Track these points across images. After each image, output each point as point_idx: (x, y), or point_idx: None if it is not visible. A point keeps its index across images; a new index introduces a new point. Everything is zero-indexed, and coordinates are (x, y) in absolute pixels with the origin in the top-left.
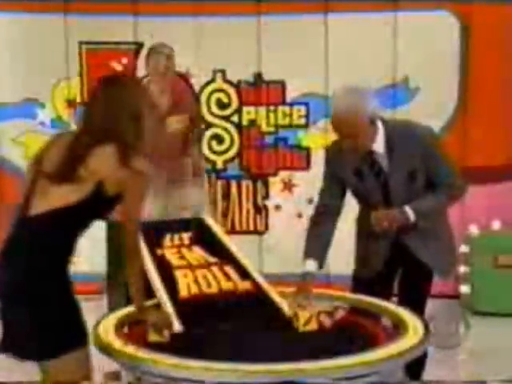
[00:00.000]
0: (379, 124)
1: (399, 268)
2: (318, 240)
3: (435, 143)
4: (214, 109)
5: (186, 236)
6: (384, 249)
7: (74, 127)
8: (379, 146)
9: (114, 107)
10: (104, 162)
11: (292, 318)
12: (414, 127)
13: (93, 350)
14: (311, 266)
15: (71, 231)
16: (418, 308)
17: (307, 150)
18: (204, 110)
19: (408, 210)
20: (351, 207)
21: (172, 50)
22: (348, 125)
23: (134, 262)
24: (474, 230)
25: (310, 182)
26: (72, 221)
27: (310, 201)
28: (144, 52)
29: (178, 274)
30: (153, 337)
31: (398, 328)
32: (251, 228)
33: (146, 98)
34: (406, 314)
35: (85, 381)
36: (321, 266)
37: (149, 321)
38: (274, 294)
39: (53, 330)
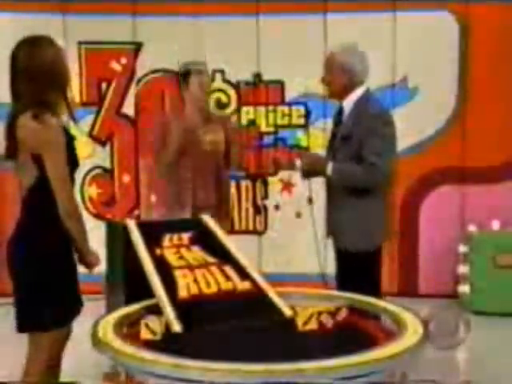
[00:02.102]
0: (360, 89)
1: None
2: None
3: (380, 128)
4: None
5: (186, 236)
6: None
7: (73, 127)
8: (348, 104)
9: (15, 70)
10: (24, 129)
11: (292, 318)
12: (373, 104)
13: (93, 349)
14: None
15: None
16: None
17: (306, 149)
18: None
19: (330, 163)
20: None
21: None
22: (326, 60)
23: (74, 220)
24: (473, 229)
25: (310, 181)
26: (45, 196)
27: (310, 200)
28: (144, 52)
29: (178, 274)
30: (145, 335)
31: (398, 328)
32: (251, 228)
33: (61, 55)
34: (405, 313)
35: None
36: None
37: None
38: (273, 294)
39: (33, 304)
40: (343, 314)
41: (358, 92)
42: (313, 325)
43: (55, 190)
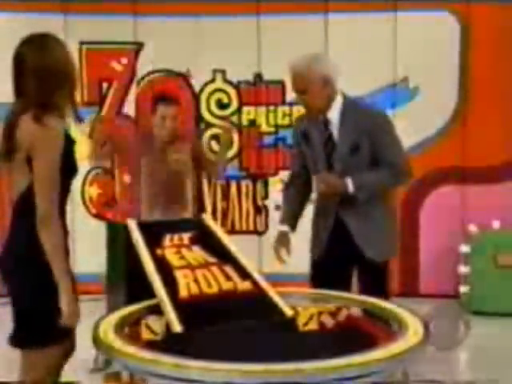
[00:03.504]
0: (339, 96)
1: (353, 267)
2: (288, 204)
3: (385, 122)
4: (214, 109)
5: (186, 236)
6: (325, 230)
7: (73, 127)
8: (334, 115)
9: (21, 69)
10: (25, 131)
11: (292, 318)
12: (368, 106)
13: (93, 349)
14: (285, 228)
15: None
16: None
17: None
18: (204, 110)
19: (349, 181)
20: None
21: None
22: (300, 80)
23: (49, 230)
24: (473, 229)
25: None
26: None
27: (310, 200)
28: (144, 52)
29: (178, 274)
30: (146, 335)
31: (398, 328)
32: (251, 228)
33: (64, 55)
34: (406, 313)
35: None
36: (293, 229)
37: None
38: (273, 293)
39: (31, 319)
40: (344, 314)
41: (338, 99)
42: (313, 325)
43: (36, 192)
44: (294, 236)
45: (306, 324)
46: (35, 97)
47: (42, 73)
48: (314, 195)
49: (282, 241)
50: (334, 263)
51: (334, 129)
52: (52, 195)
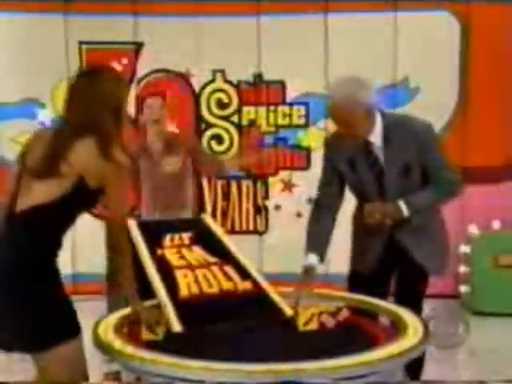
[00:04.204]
0: (378, 116)
1: (395, 267)
2: (318, 234)
3: (432, 138)
4: (214, 109)
5: (186, 236)
6: (378, 245)
7: None
8: (376, 137)
9: (91, 99)
10: (84, 155)
11: (292, 318)
12: (412, 121)
13: (93, 349)
14: (313, 259)
15: (56, 226)
16: (414, 308)
17: (307, 149)
18: (204, 110)
19: (402, 204)
20: (352, 205)
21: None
22: (345, 113)
23: (124, 257)
24: (474, 230)
25: (310, 181)
26: (56, 216)
27: (310, 200)
28: (144, 52)
29: (179, 274)
30: (146, 335)
31: (398, 328)
32: (251, 228)
33: (123, 89)
34: (406, 314)
35: (78, 375)
36: (322, 260)
37: (141, 318)
38: (273, 293)
39: (42, 321)
40: (344, 314)
41: (378, 119)
42: (313, 325)
43: (115, 222)
44: (294, 236)
45: (306, 324)
46: (91, 124)
47: (100, 101)
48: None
49: (306, 283)
50: (381, 275)
51: (379, 151)
52: (126, 226)
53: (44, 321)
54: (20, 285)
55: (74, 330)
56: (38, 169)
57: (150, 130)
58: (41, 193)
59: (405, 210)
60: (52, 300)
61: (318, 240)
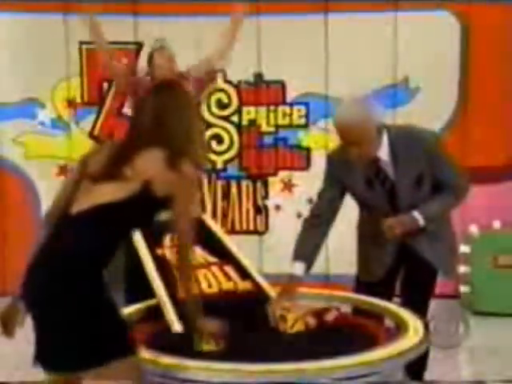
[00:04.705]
0: (383, 131)
1: (401, 269)
2: (309, 243)
3: (439, 146)
4: (214, 109)
5: None
6: (389, 255)
7: (73, 127)
8: (384, 152)
9: (165, 113)
10: (151, 163)
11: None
12: (417, 132)
13: None
14: (299, 269)
15: (115, 231)
16: (421, 309)
17: (307, 149)
18: (204, 110)
19: (417, 215)
20: (351, 208)
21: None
22: (354, 134)
23: (189, 274)
24: (474, 229)
25: (310, 181)
26: (116, 218)
27: (310, 201)
28: (144, 52)
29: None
30: (146, 335)
31: (399, 328)
32: (251, 228)
33: (194, 105)
34: (406, 314)
35: None
36: (308, 269)
37: (205, 332)
38: (274, 294)
39: (92, 337)
40: (344, 314)
41: (383, 134)
42: (313, 325)
43: (179, 236)
44: (294, 236)
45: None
46: (170, 141)
47: (185, 120)
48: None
49: (288, 288)
50: (388, 280)
51: (387, 166)
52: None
53: (91, 336)
54: (70, 296)
55: (124, 349)
56: (102, 171)
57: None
58: (102, 194)
59: (421, 219)
60: (102, 313)
61: (306, 250)
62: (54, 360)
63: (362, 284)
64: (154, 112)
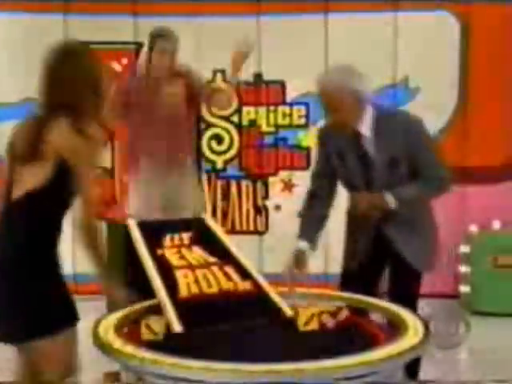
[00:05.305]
0: (370, 108)
1: (385, 265)
2: (309, 222)
3: (422, 134)
4: (214, 109)
5: (186, 236)
6: (366, 239)
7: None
8: (366, 128)
9: (67, 79)
10: (57, 132)
11: (292, 318)
12: (403, 115)
13: (93, 349)
14: (304, 245)
15: (49, 211)
16: (407, 306)
17: (307, 149)
18: (204, 109)
19: (389, 196)
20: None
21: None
22: (333, 99)
23: (91, 237)
24: (473, 229)
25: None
26: (47, 200)
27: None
28: (144, 52)
29: (178, 274)
30: (146, 335)
31: (398, 328)
32: (251, 228)
33: (99, 65)
34: (406, 314)
35: (68, 366)
36: (314, 247)
37: (108, 297)
38: (274, 293)
39: (38, 309)
40: (344, 314)
41: (368, 110)
42: (313, 325)
43: (83, 195)
44: (294, 236)
45: (306, 324)
46: (65, 104)
47: (73, 83)
48: (348, 210)
49: (298, 261)
50: (371, 273)
51: (368, 143)
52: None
53: (37, 308)
54: (16, 275)
55: (68, 319)
56: (24, 154)
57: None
58: (29, 178)
59: (391, 201)
60: (47, 289)
61: (309, 228)
62: (5, 331)
63: (347, 277)
64: (56, 78)
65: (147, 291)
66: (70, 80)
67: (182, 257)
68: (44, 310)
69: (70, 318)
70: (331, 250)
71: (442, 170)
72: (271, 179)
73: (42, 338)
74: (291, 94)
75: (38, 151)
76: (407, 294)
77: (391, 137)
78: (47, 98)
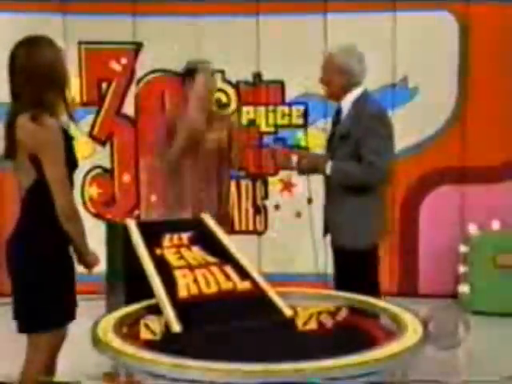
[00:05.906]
0: (358, 90)
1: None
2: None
3: (377, 120)
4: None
5: (186, 236)
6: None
7: (73, 127)
8: (346, 107)
9: (14, 69)
10: (23, 133)
11: (292, 318)
12: (373, 103)
13: (93, 349)
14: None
15: (48, 206)
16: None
17: (306, 149)
18: None
19: (329, 163)
20: None
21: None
22: (325, 73)
23: (73, 221)
24: (473, 229)
25: (310, 181)
26: (40, 198)
27: (310, 200)
28: (143, 52)
29: (178, 274)
30: (145, 335)
31: (398, 328)
32: (250, 228)
33: (61, 56)
34: (405, 313)
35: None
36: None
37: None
38: (273, 294)
39: (34, 304)
40: (343, 314)
41: (355, 92)
42: (313, 325)
43: (53, 191)
44: (294, 236)
45: (305, 324)
46: (28, 97)
47: (30, 72)
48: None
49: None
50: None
51: (344, 118)
52: (68, 191)
53: (34, 305)
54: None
55: (60, 321)
56: (7, 155)
57: (196, 106)
58: (22, 178)
59: (328, 167)
60: (49, 287)
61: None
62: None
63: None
64: (20, 71)
65: (147, 291)
66: (29, 70)
67: (181, 257)
68: (39, 307)
69: (62, 318)
70: (330, 250)
71: (378, 159)
72: (271, 179)
73: (33, 332)
74: (290, 94)
75: (15, 151)
76: (351, 281)
77: (354, 117)
78: (11, 86)
